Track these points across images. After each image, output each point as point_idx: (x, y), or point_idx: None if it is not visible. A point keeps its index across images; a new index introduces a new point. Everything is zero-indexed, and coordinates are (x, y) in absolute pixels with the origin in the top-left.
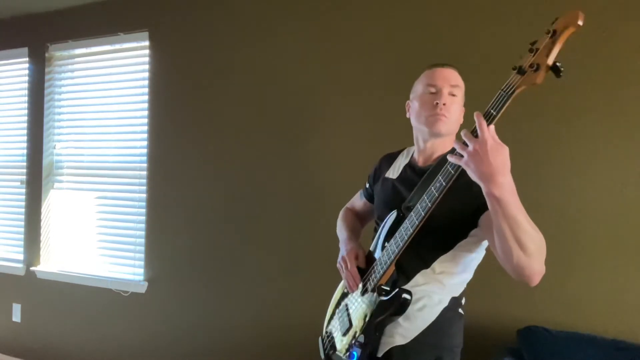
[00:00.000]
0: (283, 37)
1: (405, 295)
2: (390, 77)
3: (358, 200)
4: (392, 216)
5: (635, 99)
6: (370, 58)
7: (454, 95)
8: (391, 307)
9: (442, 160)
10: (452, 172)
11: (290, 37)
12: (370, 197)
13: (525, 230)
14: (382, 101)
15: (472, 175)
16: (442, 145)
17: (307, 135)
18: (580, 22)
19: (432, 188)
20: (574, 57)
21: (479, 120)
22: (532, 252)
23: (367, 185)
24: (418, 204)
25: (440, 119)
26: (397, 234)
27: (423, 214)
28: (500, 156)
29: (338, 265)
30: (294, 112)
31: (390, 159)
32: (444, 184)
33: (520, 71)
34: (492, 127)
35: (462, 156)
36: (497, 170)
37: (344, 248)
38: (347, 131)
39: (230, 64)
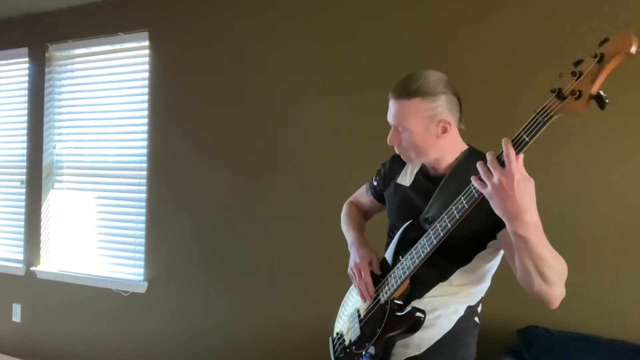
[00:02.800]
0: (284, 37)
1: (418, 314)
2: (383, 77)
3: (364, 197)
4: (407, 226)
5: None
6: (372, 60)
7: (399, 132)
8: (404, 324)
9: (456, 170)
10: (477, 196)
11: (292, 36)
12: (378, 195)
13: (549, 265)
14: (377, 101)
15: (496, 210)
16: (445, 157)
17: (310, 134)
18: (633, 50)
19: (454, 208)
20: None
21: (507, 149)
22: (553, 281)
23: (375, 183)
24: (437, 223)
25: (402, 156)
26: (413, 249)
27: (442, 234)
28: (527, 192)
29: (350, 272)
30: (295, 110)
31: (401, 161)
32: (466, 206)
33: (560, 96)
34: (521, 156)
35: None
36: (524, 208)
37: (356, 253)
38: (348, 131)
39: (230, 64)
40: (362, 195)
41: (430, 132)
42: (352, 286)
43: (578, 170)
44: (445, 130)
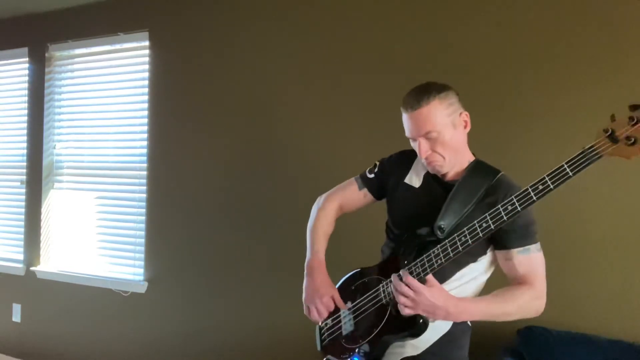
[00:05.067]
0: (285, 36)
1: (422, 322)
2: (385, 78)
3: (353, 192)
4: (417, 231)
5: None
6: (374, 59)
7: (431, 138)
8: (405, 329)
9: (466, 179)
10: (505, 219)
11: (293, 36)
12: (375, 188)
13: (507, 314)
14: (375, 102)
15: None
16: (458, 163)
17: (311, 135)
18: None
19: (477, 226)
20: (590, 55)
21: (405, 280)
22: (518, 316)
23: (372, 175)
24: (456, 236)
25: (433, 167)
26: (425, 257)
27: (461, 249)
28: (437, 296)
29: (307, 304)
30: (295, 110)
31: (408, 160)
32: (492, 227)
33: (613, 138)
34: (429, 277)
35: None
36: (445, 307)
37: (315, 285)
38: (350, 132)
39: (230, 64)
40: (350, 192)
41: (457, 128)
42: (345, 278)
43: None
44: (466, 124)
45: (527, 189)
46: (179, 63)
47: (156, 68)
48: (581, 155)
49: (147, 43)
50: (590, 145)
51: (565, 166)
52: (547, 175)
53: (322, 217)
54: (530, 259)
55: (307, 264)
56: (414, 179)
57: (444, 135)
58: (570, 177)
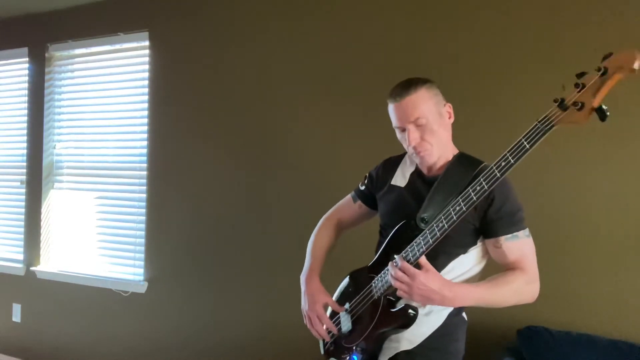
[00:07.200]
0: (285, 36)
1: (411, 312)
2: (381, 79)
3: (349, 207)
4: (402, 225)
5: (636, 102)
6: (367, 62)
7: (420, 125)
8: (397, 321)
9: (448, 172)
10: (475, 199)
11: (293, 36)
12: (366, 198)
13: (503, 299)
14: (376, 103)
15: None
16: (445, 154)
17: (309, 134)
18: (636, 66)
19: (451, 210)
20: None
21: (402, 264)
22: (519, 298)
23: (363, 187)
24: (434, 223)
25: (422, 156)
26: (408, 248)
27: (439, 234)
28: (432, 280)
29: (304, 313)
30: (295, 110)
31: (394, 164)
32: (464, 209)
33: (562, 106)
34: (422, 258)
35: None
36: (441, 292)
37: (311, 297)
38: (347, 131)
39: (230, 64)
40: (347, 205)
41: (443, 117)
42: (342, 284)
43: (579, 171)
44: (450, 115)
45: (492, 167)
46: (179, 63)
47: (156, 68)
48: (535, 127)
49: (147, 43)
50: (543, 116)
51: (523, 140)
52: (508, 151)
53: (320, 232)
54: (519, 245)
55: (302, 275)
56: (399, 179)
57: (432, 123)
58: (528, 149)
